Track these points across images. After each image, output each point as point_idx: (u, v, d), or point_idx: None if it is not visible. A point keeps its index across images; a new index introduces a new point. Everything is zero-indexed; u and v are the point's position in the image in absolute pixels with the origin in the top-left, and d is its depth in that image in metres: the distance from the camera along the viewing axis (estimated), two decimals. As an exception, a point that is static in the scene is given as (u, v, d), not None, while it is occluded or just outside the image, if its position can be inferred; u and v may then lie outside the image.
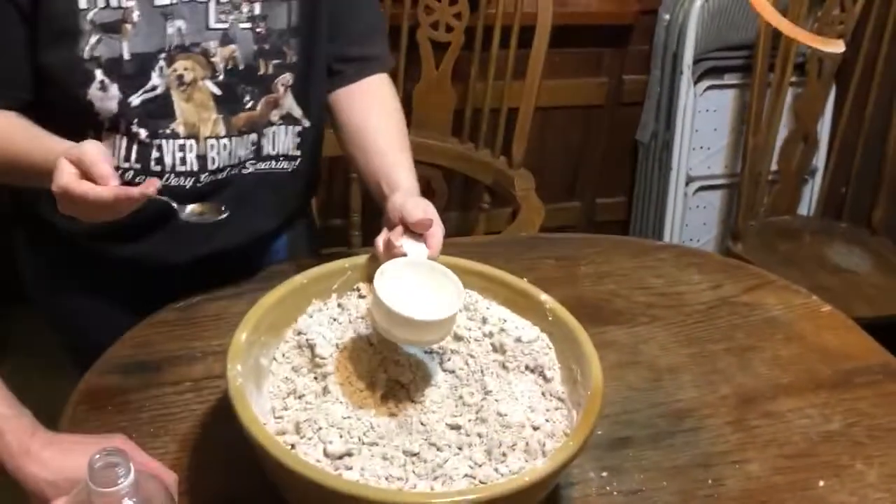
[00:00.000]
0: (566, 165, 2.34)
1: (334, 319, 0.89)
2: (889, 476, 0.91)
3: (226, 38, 1.01)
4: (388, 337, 0.84)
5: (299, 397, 0.82)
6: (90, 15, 0.94)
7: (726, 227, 2.29)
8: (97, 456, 0.58)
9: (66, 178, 0.82)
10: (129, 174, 1.01)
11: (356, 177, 1.83)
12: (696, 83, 2.16)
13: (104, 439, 0.74)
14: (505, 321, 0.90)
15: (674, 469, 0.90)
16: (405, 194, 0.98)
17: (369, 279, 0.89)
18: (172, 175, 1.03)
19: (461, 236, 1.50)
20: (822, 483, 0.90)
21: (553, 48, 1.77)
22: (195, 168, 1.04)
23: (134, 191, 0.84)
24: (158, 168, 1.02)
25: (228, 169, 1.06)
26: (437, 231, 0.92)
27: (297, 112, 1.10)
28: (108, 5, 0.94)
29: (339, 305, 0.91)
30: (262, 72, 1.04)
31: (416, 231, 0.92)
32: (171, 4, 0.97)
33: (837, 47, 1.34)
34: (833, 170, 2.08)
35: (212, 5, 0.99)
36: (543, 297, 0.90)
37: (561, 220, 2.37)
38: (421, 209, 0.93)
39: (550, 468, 0.68)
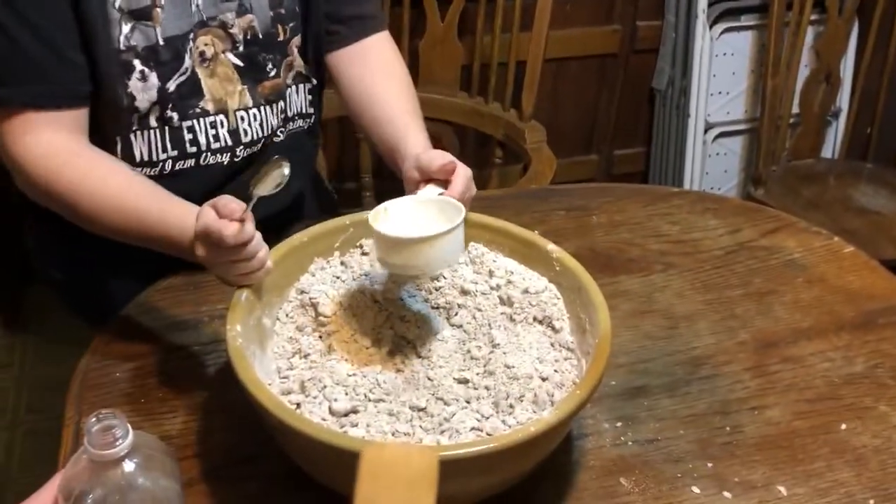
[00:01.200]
0: (582, 118, 2.30)
1: (337, 277, 0.88)
2: (915, 417, 0.89)
3: (242, 9, 1.01)
4: (387, 268, 0.84)
5: (304, 356, 0.81)
6: (118, 2, 0.93)
7: (748, 174, 2.24)
8: (93, 419, 0.57)
9: (207, 216, 0.77)
10: (168, 164, 1.02)
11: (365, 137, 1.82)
12: (711, 26, 2.10)
13: None
14: (512, 273, 0.88)
15: (691, 417, 0.88)
16: (418, 153, 0.94)
17: None
18: (209, 154, 1.03)
19: (473, 192, 1.47)
20: (843, 426, 0.87)
21: (562, -4, 1.72)
22: (229, 143, 1.04)
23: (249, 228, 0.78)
24: (194, 149, 1.03)
25: (262, 140, 1.06)
26: (461, 171, 0.88)
27: (305, 70, 1.10)
28: None
29: (342, 263, 0.90)
30: (280, 37, 1.05)
31: (440, 178, 0.89)
32: None
33: None
34: (857, 110, 2.01)
35: None
36: (550, 246, 0.87)
37: (579, 174, 2.33)
38: (439, 156, 0.89)
39: (557, 418, 0.67)
